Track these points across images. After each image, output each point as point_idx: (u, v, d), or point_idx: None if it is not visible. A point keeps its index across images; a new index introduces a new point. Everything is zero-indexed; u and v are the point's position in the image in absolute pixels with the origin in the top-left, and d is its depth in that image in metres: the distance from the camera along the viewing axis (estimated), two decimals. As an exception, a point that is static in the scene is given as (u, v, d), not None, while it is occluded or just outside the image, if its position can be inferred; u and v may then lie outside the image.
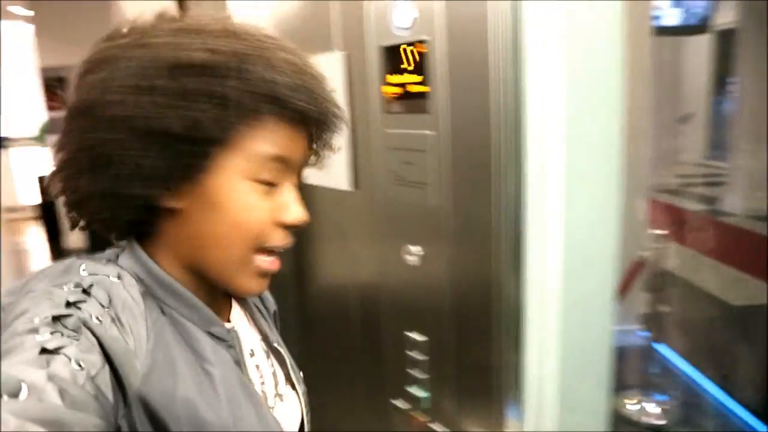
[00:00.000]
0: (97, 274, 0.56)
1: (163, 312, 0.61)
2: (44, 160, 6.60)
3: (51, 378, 0.42)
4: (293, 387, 0.79)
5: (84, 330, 0.48)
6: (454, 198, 1.02)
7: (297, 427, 0.77)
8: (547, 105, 0.90)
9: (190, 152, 0.56)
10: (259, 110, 0.58)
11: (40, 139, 6.26)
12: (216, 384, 0.60)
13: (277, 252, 0.65)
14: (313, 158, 0.70)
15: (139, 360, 0.53)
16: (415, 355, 1.19)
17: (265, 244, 0.63)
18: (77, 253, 0.63)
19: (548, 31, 0.87)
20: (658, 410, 1.41)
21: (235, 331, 0.68)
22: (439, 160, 1.01)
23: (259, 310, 0.81)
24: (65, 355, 0.44)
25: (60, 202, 0.63)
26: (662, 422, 1.38)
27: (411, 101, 1.04)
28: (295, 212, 0.63)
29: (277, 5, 1.39)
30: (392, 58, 1.06)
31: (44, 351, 0.44)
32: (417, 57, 1.01)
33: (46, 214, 5.91)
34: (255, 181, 0.60)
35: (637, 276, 1.52)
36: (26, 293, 0.52)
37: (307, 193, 1.41)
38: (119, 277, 0.57)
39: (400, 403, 1.26)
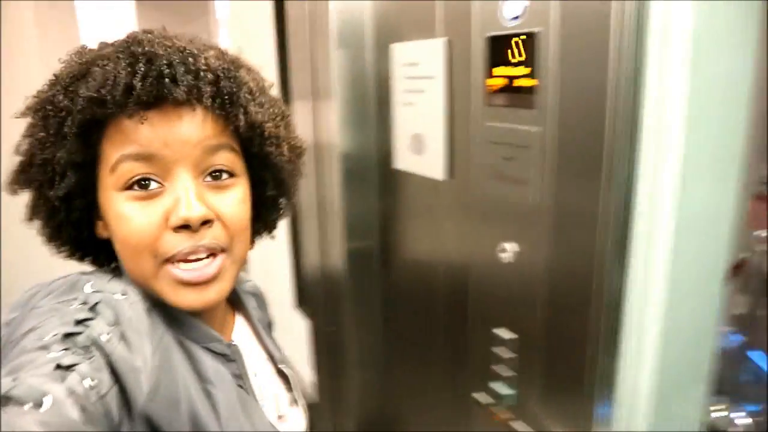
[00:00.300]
0: (103, 291, 0.55)
1: (167, 330, 0.60)
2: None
3: (70, 393, 0.42)
4: (297, 405, 0.78)
5: (94, 348, 0.48)
6: (556, 197, 0.98)
7: None
8: (667, 107, 0.84)
9: (72, 177, 0.57)
10: (90, 117, 0.55)
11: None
12: (217, 405, 0.59)
13: (198, 259, 0.59)
14: (243, 133, 0.61)
15: (145, 378, 0.52)
16: (501, 352, 1.17)
17: (163, 254, 0.58)
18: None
19: (674, 30, 0.81)
20: (748, 421, 1.32)
21: (236, 346, 0.67)
22: (544, 157, 0.97)
23: (265, 329, 0.80)
24: (78, 373, 0.44)
25: None
26: (751, 432, 1.29)
27: (516, 95, 1.00)
28: (180, 210, 0.56)
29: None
30: (499, 49, 1.02)
31: (59, 367, 0.44)
32: (526, 49, 0.97)
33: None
34: (128, 189, 0.57)
35: (736, 278, 1.42)
36: (31, 309, 0.52)
37: (399, 179, 1.43)
38: (125, 294, 0.56)
39: (481, 398, 1.25)
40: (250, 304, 0.82)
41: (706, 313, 1.01)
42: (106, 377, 0.47)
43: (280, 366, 0.77)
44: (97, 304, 0.53)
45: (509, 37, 0.99)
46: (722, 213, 0.95)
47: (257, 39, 2.86)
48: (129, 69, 0.54)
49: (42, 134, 0.57)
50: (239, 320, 0.75)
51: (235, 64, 0.63)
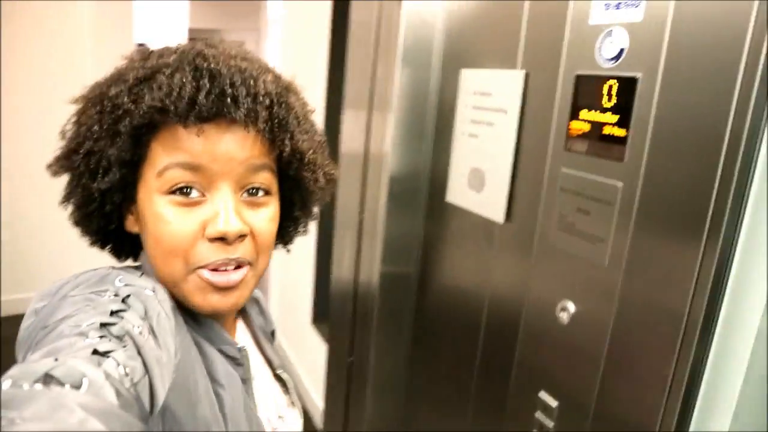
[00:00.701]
0: (134, 285, 0.57)
1: (188, 330, 0.62)
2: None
3: (108, 377, 0.43)
4: (294, 407, 0.80)
5: (127, 338, 0.49)
6: (629, 259, 0.88)
7: None
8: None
9: (116, 173, 0.59)
10: (149, 121, 0.57)
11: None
12: (225, 408, 0.61)
13: (227, 269, 0.61)
14: (285, 157, 0.64)
15: (167, 374, 0.53)
16: (543, 418, 1.06)
17: (195, 262, 0.60)
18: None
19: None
20: None
21: (245, 350, 0.69)
22: (627, 216, 0.87)
23: (264, 335, 0.81)
24: (114, 359, 0.45)
25: None
26: None
27: (602, 144, 0.90)
28: (218, 223, 0.59)
29: (460, 9, 1.29)
30: (589, 90, 0.92)
31: (96, 352, 0.45)
32: (620, 94, 0.87)
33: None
34: (170, 194, 0.59)
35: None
36: (62, 298, 0.54)
37: (450, 211, 1.34)
38: (154, 291, 0.58)
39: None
40: (253, 310, 0.84)
41: None
42: (139, 366, 0.48)
43: (277, 371, 0.79)
44: (128, 296, 0.54)
45: (603, 78, 0.89)
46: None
47: (309, 40, 2.82)
48: (194, 83, 0.56)
49: (96, 127, 0.58)
50: (240, 326, 0.77)
51: (288, 89, 0.66)
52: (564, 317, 1.00)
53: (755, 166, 0.75)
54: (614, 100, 0.88)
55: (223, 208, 0.59)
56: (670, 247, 0.83)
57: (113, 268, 0.61)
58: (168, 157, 0.58)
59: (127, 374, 0.45)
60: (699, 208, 0.78)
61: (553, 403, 1.04)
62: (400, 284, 1.52)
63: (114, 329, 0.49)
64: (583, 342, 0.98)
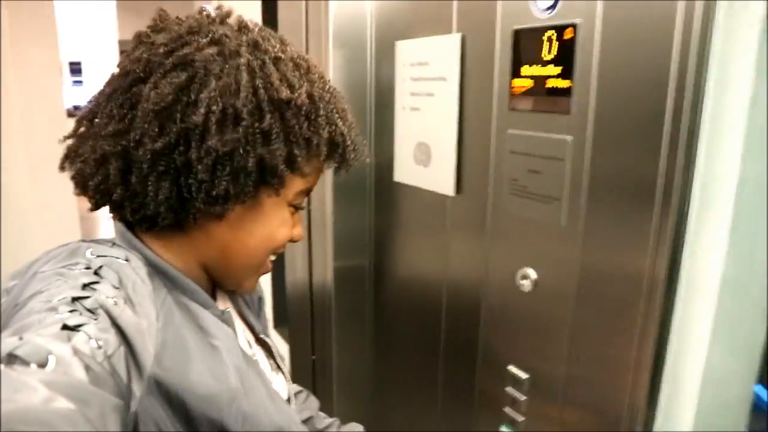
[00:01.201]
0: (106, 256, 0.56)
1: (169, 292, 0.62)
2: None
3: (76, 352, 0.41)
4: (279, 372, 0.81)
5: (100, 311, 0.48)
6: (588, 218, 0.85)
7: None
8: (729, 114, 0.71)
9: (256, 183, 0.60)
10: (321, 151, 0.64)
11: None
12: (223, 356, 0.61)
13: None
14: None
15: (150, 340, 0.53)
16: (513, 392, 1.02)
17: (275, 253, 0.71)
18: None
19: (742, 27, 0.68)
20: None
21: (229, 312, 0.69)
22: (579, 171, 0.84)
23: (245, 303, 0.82)
24: (85, 333, 0.44)
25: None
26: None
27: (547, 98, 0.86)
28: (300, 230, 0.72)
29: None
30: (528, 44, 0.88)
31: (65, 327, 0.43)
32: (560, 45, 0.83)
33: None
34: (291, 206, 0.68)
35: None
36: (33, 274, 0.53)
37: (400, 192, 1.29)
38: (127, 260, 0.58)
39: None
40: None
41: (747, 362, 0.89)
42: (112, 338, 0.47)
43: (261, 336, 0.81)
44: (101, 267, 0.54)
45: (541, 30, 0.85)
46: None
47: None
48: (348, 135, 0.67)
49: (263, 135, 0.59)
50: (219, 293, 0.77)
51: None
52: (525, 285, 0.95)
53: (703, 104, 0.72)
54: (554, 51, 0.84)
55: (300, 221, 0.72)
56: (626, 201, 0.79)
57: (83, 241, 0.60)
58: (305, 183, 0.67)
59: (100, 347, 0.44)
60: (650, 156, 0.75)
61: (523, 375, 1.00)
62: (355, 276, 1.46)
63: (87, 302, 0.48)
64: (548, 309, 0.94)
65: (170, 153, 0.57)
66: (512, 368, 1.02)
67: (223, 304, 0.76)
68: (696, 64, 0.69)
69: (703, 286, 0.78)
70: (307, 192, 0.69)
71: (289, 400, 0.79)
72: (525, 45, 0.89)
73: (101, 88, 0.62)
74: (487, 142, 0.99)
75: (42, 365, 0.38)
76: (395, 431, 1.46)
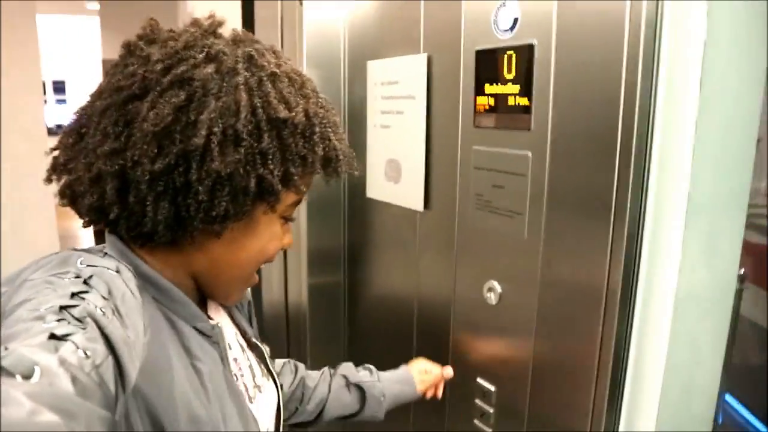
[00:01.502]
0: (96, 266, 0.55)
1: (157, 307, 0.62)
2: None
3: (62, 363, 0.40)
4: (270, 378, 0.81)
5: (89, 320, 0.47)
6: (549, 233, 0.87)
7: (275, 415, 0.80)
8: (677, 130, 0.75)
9: (253, 201, 0.60)
10: (315, 167, 0.64)
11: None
12: (205, 380, 0.61)
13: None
14: None
15: (136, 354, 0.51)
16: (483, 404, 1.03)
17: (265, 263, 0.70)
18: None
19: (685, 45, 0.72)
20: None
21: (219, 327, 0.69)
22: (540, 186, 0.86)
23: (236, 306, 0.82)
24: (73, 343, 0.43)
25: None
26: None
27: (508, 115, 0.89)
28: (289, 238, 0.72)
29: (361, 4, 1.26)
30: (490, 64, 0.91)
31: (52, 337, 0.42)
32: (519, 64, 0.86)
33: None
34: (282, 218, 0.68)
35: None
36: (22, 282, 0.52)
37: (372, 209, 1.31)
38: (118, 271, 0.57)
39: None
40: None
41: (709, 384, 0.92)
42: (101, 348, 0.45)
43: (252, 340, 0.81)
44: (90, 277, 0.53)
45: (502, 50, 0.88)
46: (727, 255, 0.85)
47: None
48: (341, 149, 0.67)
49: (261, 155, 0.59)
50: (210, 301, 0.76)
51: None
52: (492, 298, 0.97)
53: (653, 120, 0.75)
54: (514, 70, 0.87)
55: (289, 229, 0.71)
56: (583, 217, 0.82)
57: (74, 249, 0.59)
58: (298, 195, 0.67)
59: (87, 356, 0.43)
60: (604, 174, 0.77)
61: (491, 388, 1.01)
62: (329, 293, 1.47)
63: (75, 311, 0.47)
64: (512, 321, 0.95)
65: (169, 174, 0.56)
66: (481, 381, 1.03)
67: (215, 312, 0.75)
68: (642, 81, 0.73)
69: (660, 296, 0.80)
70: (298, 203, 0.69)
71: (278, 407, 0.81)
72: (487, 64, 0.92)
73: (89, 99, 0.61)
74: (453, 158, 1.02)
75: (27, 377, 0.37)
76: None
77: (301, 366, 0.97)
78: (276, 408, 0.80)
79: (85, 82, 7.94)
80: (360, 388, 0.97)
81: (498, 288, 0.96)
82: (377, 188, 1.25)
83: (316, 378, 0.98)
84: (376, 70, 1.21)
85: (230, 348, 0.72)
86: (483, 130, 0.94)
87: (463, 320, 1.06)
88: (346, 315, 1.48)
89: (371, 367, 1.01)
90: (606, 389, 0.83)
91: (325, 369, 0.99)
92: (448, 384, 1.11)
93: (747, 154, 0.82)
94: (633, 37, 0.72)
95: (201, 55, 0.58)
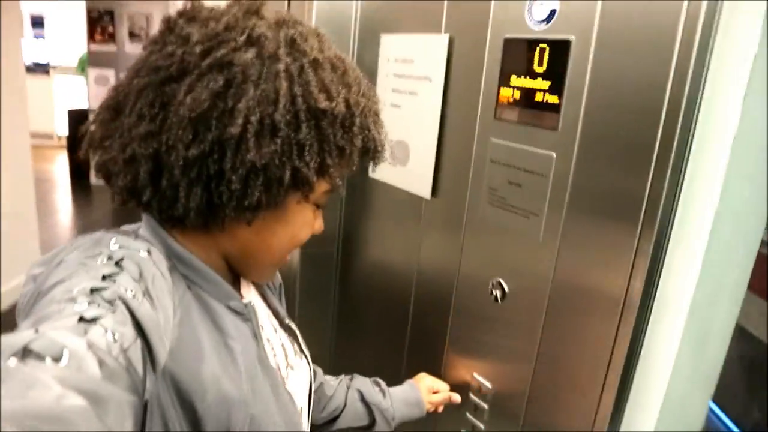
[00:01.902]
0: (128, 248, 0.55)
1: (188, 288, 0.62)
2: (80, 92, 6.52)
3: (90, 346, 0.41)
4: (303, 357, 0.81)
5: (119, 303, 0.47)
6: (567, 236, 0.84)
7: (307, 393, 0.80)
8: (715, 145, 0.72)
9: (286, 191, 0.59)
10: (353, 160, 0.63)
11: (80, 70, 6.16)
12: (237, 358, 0.61)
13: None
14: None
15: (166, 335, 0.52)
16: (477, 400, 1.02)
17: (298, 247, 0.70)
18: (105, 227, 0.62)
19: (738, 56, 0.68)
20: None
21: (252, 305, 0.69)
22: (562, 188, 0.83)
23: (269, 287, 0.82)
24: (102, 326, 0.43)
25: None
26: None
27: (534, 112, 0.85)
28: (321, 224, 0.71)
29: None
30: (518, 54, 0.86)
31: (82, 320, 0.43)
32: (552, 59, 0.82)
33: (75, 148, 5.83)
34: (314, 204, 0.67)
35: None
36: (58, 264, 0.53)
37: (372, 187, 1.27)
38: (149, 252, 0.57)
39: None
40: None
41: (707, 384, 0.92)
42: (129, 331, 0.46)
43: (285, 321, 0.81)
44: (122, 259, 0.53)
45: (534, 42, 0.84)
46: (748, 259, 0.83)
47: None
48: (380, 140, 0.65)
49: (298, 147, 0.57)
50: (243, 280, 0.76)
51: None
52: (497, 295, 0.95)
53: (693, 137, 0.72)
54: (546, 65, 0.83)
55: (321, 214, 0.70)
56: (607, 223, 0.79)
57: (107, 231, 0.59)
58: (337, 183, 0.65)
59: (116, 340, 0.44)
60: (636, 182, 0.74)
61: (489, 385, 1.00)
62: (321, 264, 1.44)
63: (106, 293, 0.47)
64: (517, 322, 0.93)
65: (203, 161, 0.55)
66: (477, 376, 1.02)
67: (247, 291, 0.75)
68: (689, 90, 0.69)
69: (674, 308, 0.79)
70: (333, 191, 0.68)
71: (311, 386, 0.82)
72: (516, 55, 0.87)
73: (127, 75, 0.59)
74: (468, 149, 0.97)
75: (56, 360, 0.38)
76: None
77: (319, 371, 0.97)
78: (309, 386, 0.81)
79: (66, 17, 7.61)
80: (373, 408, 0.98)
81: (505, 286, 0.94)
82: (381, 169, 1.21)
83: (334, 386, 0.98)
84: (391, 45, 1.15)
85: (263, 328, 0.72)
86: (504, 123, 0.90)
87: (464, 313, 1.04)
88: (337, 286, 1.45)
89: (382, 384, 1.01)
90: (613, 398, 0.81)
91: (342, 378, 0.99)
92: (444, 376, 1.10)
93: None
94: (685, 44, 0.68)
95: (242, 38, 0.56)
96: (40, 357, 0.37)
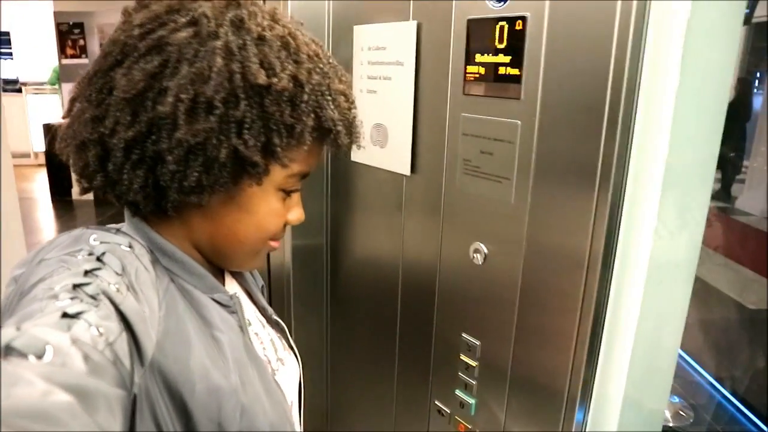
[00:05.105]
0: (109, 243, 0.56)
1: (172, 280, 0.62)
2: (55, 108, 6.50)
3: (74, 342, 0.41)
4: (292, 352, 0.83)
5: (102, 297, 0.48)
6: (535, 198, 0.92)
7: (297, 387, 0.82)
8: (658, 106, 0.80)
9: (232, 173, 0.58)
10: (304, 139, 0.60)
11: (54, 80, 6.14)
12: (224, 349, 0.61)
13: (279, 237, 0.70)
14: None
15: (152, 328, 0.52)
16: (467, 359, 1.10)
17: (274, 236, 0.69)
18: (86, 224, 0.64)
19: (672, 23, 0.76)
20: (669, 413, 1.33)
21: (237, 297, 0.69)
22: (528, 153, 0.91)
23: (255, 286, 0.83)
24: (86, 321, 0.44)
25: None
26: (675, 425, 1.31)
27: (498, 84, 0.93)
28: (298, 214, 0.70)
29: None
30: (481, 33, 0.94)
31: (65, 315, 0.43)
32: (511, 35, 0.90)
33: (54, 163, 5.81)
34: (281, 191, 0.65)
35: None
36: (38, 263, 0.53)
37: (355, 172, 1.33)
38: (130, 246, 0.58)
39: (443, 405, 1.18)
40: None
41: (675, 328, 0.99)
42: (114, 325, 0.46)
43: (273, 317, 0.82)
44: (103, 254, 0.54)
45: (493, 21, 0.91)
46: (696, 222, 0.92)
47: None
48: (339, 119, 0.63)
49: (237, 124, 0.56)
50: (227, 276, 0.77)
51: None
52: (478, 258, 1.03)
53: (637, 95, 0.80)
54: (506, 41, 0.90)
55: (299, 203, 0.70)
56: (569, 181, 0.87)
57: (87, 228, 0.60)
58: (302, 167, 0.64)
59: (101, 334, 0.44)
60: (590, 145, 0.82)
61: (476, 342, 1.08)
62: (313, 255, 1.51)
63: (88, 289, 0.48)
64: (498, 281, 1.01)
65: (143, 142, 0.55)
66: (465, 336, 1.10)
67: (231, 287, 0.75)
68: (631, 57, 0.77)
69: (636, 262, 0.86)
70: (303, 175, 0.66)
71: (300, 381, 0.82)
72: (478, 34, 0.94)
73: (89, 67, 0.60)
74: (441, 125, 1.05)
75: (39, 356, 0.37)
76: (353, 400, 1.53)
77: None
78: (298, 381, 0.82)
79: (34, 32, 7.54)
80: None
81: (484, 249, 1.02)
82: (362, 152, 1.28)
83: None
84: (364, 35, 1.22)
85: (250, 324, 0.72)
86: (472, 98, 0.98)
87: (450, 279, 1.12)
88: (328, 276, 1.52)
89: None
90: (585, 348, 0.90)
91: None
92: (435, 338, 1.17)
93: (717, 130, 0.88)
94: (624, 13, 0.76)
95: (183, 20, 0.56)
96: (23, 354, 0.37)
